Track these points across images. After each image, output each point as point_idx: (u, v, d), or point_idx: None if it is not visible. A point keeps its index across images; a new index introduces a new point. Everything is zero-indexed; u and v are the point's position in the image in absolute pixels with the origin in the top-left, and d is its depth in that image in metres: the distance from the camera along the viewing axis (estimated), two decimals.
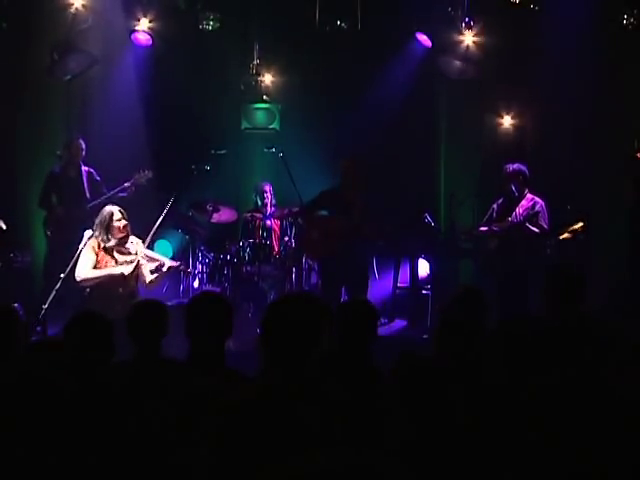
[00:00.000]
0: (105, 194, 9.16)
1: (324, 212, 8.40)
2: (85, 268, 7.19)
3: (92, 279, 7.19)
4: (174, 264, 7.58)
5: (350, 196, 8.22)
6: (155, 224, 7.82)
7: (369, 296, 8.48)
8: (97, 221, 7.38)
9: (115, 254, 7.30)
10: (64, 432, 2.67)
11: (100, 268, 7.25)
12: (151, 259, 7.41)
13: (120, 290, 7.18)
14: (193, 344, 4.03)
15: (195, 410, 3.05)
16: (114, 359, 4.24)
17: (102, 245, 7.27)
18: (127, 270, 7.20)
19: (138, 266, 7.29)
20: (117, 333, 4.27)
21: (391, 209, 9.43)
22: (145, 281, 7.34)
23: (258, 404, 2.18)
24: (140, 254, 7.32)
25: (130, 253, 7.31)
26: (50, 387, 2.74)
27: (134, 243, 7.40)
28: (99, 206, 8.94)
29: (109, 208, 7.42)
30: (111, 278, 7.18)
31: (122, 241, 7.33)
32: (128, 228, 7.39)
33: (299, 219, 9.06)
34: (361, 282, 8.24)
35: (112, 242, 7.29)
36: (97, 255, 7.26)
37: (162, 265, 7.36)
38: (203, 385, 3.35)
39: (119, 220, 7.31)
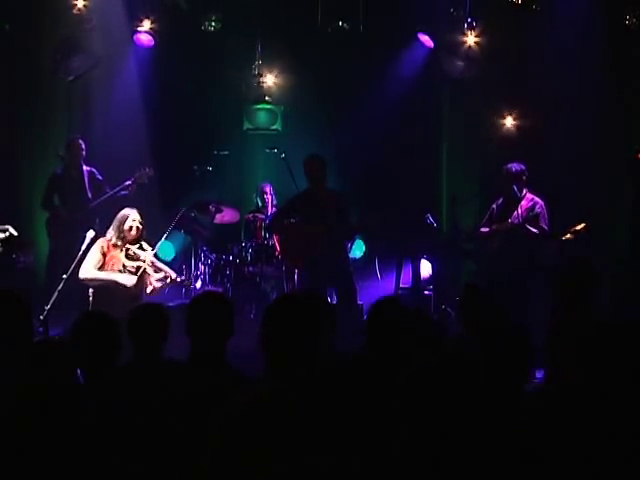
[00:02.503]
0: (106, 193, 9.21)
1: (295, 219, 8.36)
2: (90, 267, 7.23)
3: (94, 280, 7.23)
4: (179, 279, 7.62)
5: (321, 196, 8.20)
6: (164, 234, 7.89)
7: (364, 296, 8.53)
8: (114, 222, 7.44)
9: (122, 257, 7.33)
10: (68, 434, 2.72)
11: (105, 270, 7.29)
12: (158, 269, 7.46)
13: (123, 292, 7.22)
14: (194, 344, 4.07)
15: (197, 413, 3.09)
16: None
17: (113, 243, 7.32)
18: (130, 282, 7.23)
19: (144, 273, 7.34)
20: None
21: (393, 210, 9.49)
22: (150, 288, 7.38)
23: (261, 407, 2.23)
24: (147, 262, 7.36)
25: (139, 259, 7.35)
26: (54, 388, 2.80)
27: (144, 250, 7.44)
28: (101, 206, 9.06)
29: (128, 210, 7.48)
30: (113, 284, 7.24)
31: (132, 243, 7.39)
32: (141, 232, 7.46)
33: (266, 233, 9.12)
34: (347, 283, 8.19)
35: (122, 242, 7.34)
36: (104, 256, 7.29)
37: (167, 277, 7.42)
38: (205, 387, 3.40)
39: (134, 221, 7.39)
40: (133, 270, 7.29)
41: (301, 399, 2.34)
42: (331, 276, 8.13)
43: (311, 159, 8.30)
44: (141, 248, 7.43)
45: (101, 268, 7.28)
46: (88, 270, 7.22)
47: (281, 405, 2.22)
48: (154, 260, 7.46)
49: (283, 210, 8.56)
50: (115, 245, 7.32)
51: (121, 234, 7.33)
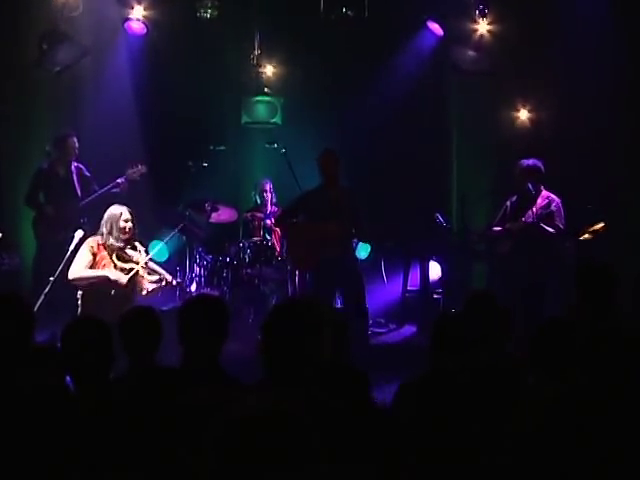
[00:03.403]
0: (95, 191, 9.18)
1: (305, 217, 8.34)
2: (80, 267, 7.18)
3: (85, 278, 7.17)
4: (174, 282, 7.58)
5: (335, 195, 8.16)
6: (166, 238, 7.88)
7: (369, 299, 8.51)
8: (104, 219, 7.38)
9: (114, 258, 7.28)
10: (60, 443, 2.71)
11: (99, 268, 7.24)
12: (152, 271, 7.44)
13: (113, 293, 7.18)
14: (187, 350, 4.04)
15: (193, 424, 3.08)
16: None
17: (103, 243, 7.27)
18: (124, 279, 7.20)
19: (137, 275, 7.30)
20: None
21: (400, 209, 9.48)
22: (143, 291, 7.34)
23: (261, 418, 2.21)
24: (141, 264, 7.33)
25: (131, 260, 7.31)
26: (44, 396, 2.78)
27: (137, 251, 7.40)
28: (90, 204, 9.04)
29: (118, 208, 7.39)
30: (105, 281, 7.19)
31: (125, 244, 7.33)
32: (134, 232, 7.40)
33: (266, 233, 9.10)
34: (357, 286, 8.18)
35: (115, 243, 7.28)
36: (95, 256, 7.22)
37: (162, 279, 7.39)
38: (201, 397, 3.38)
39: (126, 221, 7.31)
40: (125, 271, 7.26)
41: (303, 409, 2.32)
42: (339, 278, 8.11)
43: (327, 154, 8.26)
44: (134, 248, 7.39)
45: (91, 268, 7.23)
46: (78, 270, 7.17)
47: (282, 416, 2.20)
48: (148, 262, 7.43)
49: (293, 207, 8.51)
50: (106, 246, 7.27)
51: (113, 234, 7.28)
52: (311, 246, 8.08)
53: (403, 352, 8.21)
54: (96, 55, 10.16)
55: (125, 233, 7.29)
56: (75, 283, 7.21)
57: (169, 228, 9.43)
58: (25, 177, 9.56)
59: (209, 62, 10.55)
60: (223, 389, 3.63)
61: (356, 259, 8.51)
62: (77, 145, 9.31)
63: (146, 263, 7.38)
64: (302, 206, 8.33)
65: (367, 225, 8.35)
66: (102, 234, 7.30)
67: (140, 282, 7.32)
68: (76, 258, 7.23)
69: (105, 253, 7.28)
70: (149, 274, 7.37)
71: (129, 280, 7.19)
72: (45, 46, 9.69)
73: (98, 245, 7.28)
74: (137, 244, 7.45)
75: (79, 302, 7.25)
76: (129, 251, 7.33)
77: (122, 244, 7.29)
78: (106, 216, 7.38)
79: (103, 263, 7.26)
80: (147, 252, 7.58)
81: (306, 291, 8.66)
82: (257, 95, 10.64)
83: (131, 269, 7.26)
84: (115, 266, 7.27)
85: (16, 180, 9.87)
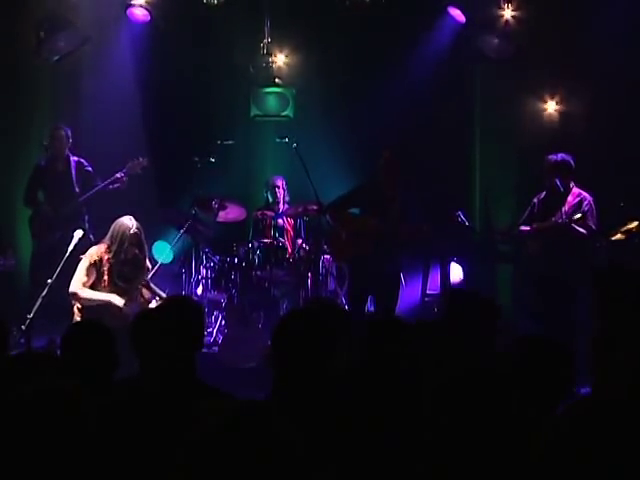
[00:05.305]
0: (97, 187, 9.21)
1: (355, 210, 8.52)
2: (81, 284, 7.27)
3: (85, 299, 7.28)
4: None
5: (389, 193, 8.29)
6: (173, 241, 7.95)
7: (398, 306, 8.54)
8: (112, 232, 7.45)
9: (115, 277, 7.35)
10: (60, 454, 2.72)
11: (99, 285, 7.35)
12: (153, 293, 7.54)
13: (114, 309, 7.26)
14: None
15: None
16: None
17: (107, 258, 7.33)
18: (126, 304, 7.30)
19: (138, 294, 7.42)
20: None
21: (420, 206, 9.45)
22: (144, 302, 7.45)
23: (261, 428, 2.20)
24: (143, 283, 7.45)
25: (135, 279, 7.40)
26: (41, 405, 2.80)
27: (142, 269, 7.52)
28: (90, 201, 9.07)
29: (128, 223, 7.47)
30: (106, 304, 7.26)
31: (129, 266, 7.41)
32: (141, 251, 7.48)
33: (327, 216, 9.11)
34: (391, 291, 8.27)
35: (118, 264, 7.36)
36: (98, 270, 7.32)
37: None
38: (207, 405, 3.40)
39: (132, 244, 7.40)
40: (126, 291, 7.35)
41: (306, 418, 2.32)
42: (373, 281, 8.20)
43: (391, 151, 8.46)
44: (138, 266, 7.45)
45: (94, 283, 7.31)
46: (80, 288, 7.25)
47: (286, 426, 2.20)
48: (151, 284, 7.55)
49: (347, 197, 8.63)
50: (109, 260, 7.34)
51: (117, 253, 7.36)
52: (349, 238, 8.32)
53: None
54: (97, 43, 10.16)
55: (131, 250, 7.38)
56: (74, 299, 7.29)
57: (174, 227, 9.45)
58: (22, 173, 9.59)
59: (216, 51, 10.55)
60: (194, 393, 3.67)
61: (397, 269, 8.51)
62: (69, 137, 9.30)
63: (148, 284, 7.47)
64: (355, 198, 8.50)
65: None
66: (108, 246, 7.36)
67: (142, 303, 7.41)
68: (78, 271, 7.33)
69: (107, 268, 7.34)
70: (150, 293, 7.50)
71: (131, 301, 7.33)
72: (43, 34, 9.72)
73: (101, 259, 7.34)
74: (144, 260, 7.53)
75: (75, 311, 7.31)
76: (132, 270, 7.41)
77: (126, 268, 7.37)
78: (114, 230, 7.46)
79: (104, 278, 7.35)
80: (151, 268, 7.68)
81: (330, 292, 9.00)
82: (267, 86, 10.61)
83: (133, 289, 7.33)
84: (116, 285, 7.35)
85: (12, 176, 9.91)
